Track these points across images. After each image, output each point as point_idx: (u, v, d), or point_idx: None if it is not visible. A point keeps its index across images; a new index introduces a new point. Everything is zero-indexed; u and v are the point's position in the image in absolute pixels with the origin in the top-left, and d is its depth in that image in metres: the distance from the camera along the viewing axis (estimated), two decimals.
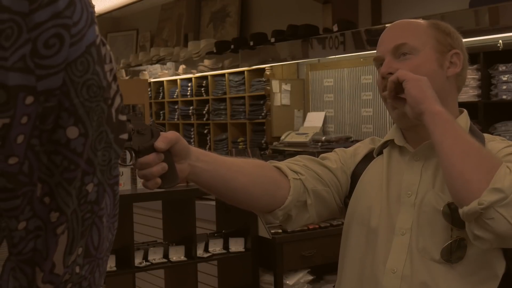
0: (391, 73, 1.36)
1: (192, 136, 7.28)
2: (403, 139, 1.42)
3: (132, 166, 1.25)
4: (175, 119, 7.62)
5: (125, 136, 0.73)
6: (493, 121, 4.12)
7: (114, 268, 3.56)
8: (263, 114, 6.21)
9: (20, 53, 0.58)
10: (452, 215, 1.27)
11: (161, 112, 7.97)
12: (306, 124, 5.94)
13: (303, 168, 1.43)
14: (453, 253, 1.28)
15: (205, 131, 7.11)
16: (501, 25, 4.01)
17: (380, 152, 1.46)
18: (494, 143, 1.37)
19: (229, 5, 7.44)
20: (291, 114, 6.07)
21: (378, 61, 1.42)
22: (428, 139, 1.36)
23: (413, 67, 1.35)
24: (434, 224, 1.30)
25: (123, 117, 0.72)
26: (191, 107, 7.26)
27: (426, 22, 1.42)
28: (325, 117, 5.87)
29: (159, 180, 1.22)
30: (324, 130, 5.86)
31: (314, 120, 5.88)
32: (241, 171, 1.37)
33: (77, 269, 0.71)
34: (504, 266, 1.31)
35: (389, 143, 1.45)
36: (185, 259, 3.34)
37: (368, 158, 1.47)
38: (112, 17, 8.98)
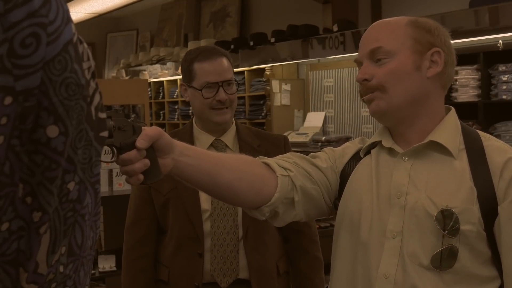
0: (366, 79, 1.36)
1: None
2: (391, 140, 1.41)
3: (113, 162, 1.25)
4: (175, 119, 7.62)
5: (105, 133, 0.73)
6: (493, 121, 4.11)
7: (114, 268, 3.57)
8: (263, 114, 6.20)
9: None
10: (445, 221, 1.26)
11: (161, 112, 7.97)
12: (306, 124, 5.93)
13: (293, 165, 1.42)
14: (443, 261, 1.26)
15: None
16: (501, 25, 4.00)
17: (367, 152, 1.45)
18: (492, 142, 1.35)
19: (229, 5, 7.44)
20: (291, 114, 6.07)
21: (359, 64, 1.42)
22: (415, 139, 1.36)
23: (388, 72, 1.34)
24: (424, 228, 1.29)
25: (102, 115, 0.71)
26: (191, 107, 7.25)
27: (405, 20, 1.39)
28: (325, 117, 5.86)
29: (141, 177, 1.22)
30: (324, 130, 5.86)
31: (314, 120, 5.88)
32: (226, 166, 1.35)
33: (61, 268, 0.70)
34: (498, 282, 1.30)
35: (377, 144, 1.44)
36: None
37: (356, 157, 1.46)
38: (112, 17, 8.99)
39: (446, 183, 1.30)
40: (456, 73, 4.31)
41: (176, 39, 8.19)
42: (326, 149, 1.52)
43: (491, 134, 4.11)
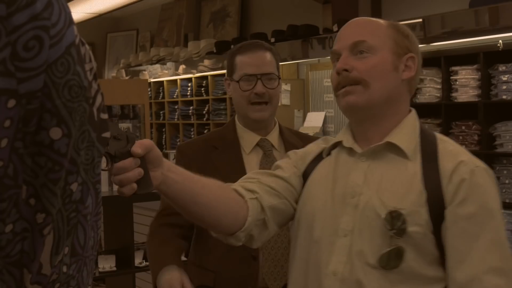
0: (346, 70, 1.37)
1: (192, 136, 7.27)
2: (352, 140, 1.43)
3: (107, 171, 1.23)
4: (175, 119, 7.62)
5: (107, 134, 0.73)
6: (493, 121, 4.11)
7: (114, 268, 3.57)
8: None
9: (0, 57, 0.58)
10: (393, 222, 1.28)
11: (161, 112, 7.97)
12: (306, 124, 5.93)
13: (257, 185, 1.43)
14: (390, 260, 1.29)
15: (205, 131, 7.09)
16: (501, 25, 4.00)
17: (330, 153, 1.47)
18: (446, 146, 1.37)
19: (229, 5, 7.44)
20: (291, 114, 6.06)
21: (335, 56, 1.43)
22: (376, 140, 1.39)
23: (369, 66, 1.36)
24: (372, 228, 1.31)
25: (104, 116, 0.72)
26: (191, 107, 7.26)
27: (386, 22, 1.43)
28: (325, 117, 5.86)
29: (135, 185, 1.22)
30: (324, 130, 5.85)
31: (314, 120, 5.88)
32: (207, 187, 1.37)
33: (65, 269, 0.71)
34: (445, 283, 1.32)
35: (338, 144, 1.46)
36: (185, 259, 3.33)
37: (318, 158, 1.48)
38: (112, 17, 8.99)
39: (398, 185, 1.33)
40: (456, 73, 4.31)
41: (176, 39, 8.18)
42: (289, 152, 1.55)
43: (491, 134, 4.12)
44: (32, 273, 0.67)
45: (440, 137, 1.41)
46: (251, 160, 1.98)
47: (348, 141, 1.43)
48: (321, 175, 1.43)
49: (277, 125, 2.04)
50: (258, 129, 1.99)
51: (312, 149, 1.51)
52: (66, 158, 0.65)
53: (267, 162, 1.97)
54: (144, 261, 3.75)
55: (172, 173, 1.30)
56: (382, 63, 1.37)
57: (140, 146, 1.23)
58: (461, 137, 4.24)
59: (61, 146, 0.64)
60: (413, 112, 1.44)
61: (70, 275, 0.72)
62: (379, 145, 1.37)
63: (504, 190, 3.99)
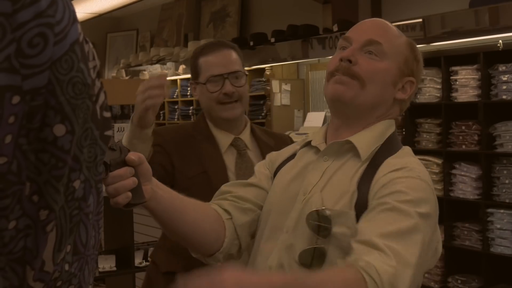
0: (350, 61, 1.35)
1: None
2: (321, 139, 1.43)
3: (104, 179, 1.22)
4: (175, 119, 7.62)
5: (110, 132, 0.74)
6: (493, 121, 4.11)
7: (114, 268, 3.57)
8: (263, 114, 6.20)
9: (5, 54, 0.58)
10: (320, 222, 1.27)
11: (161, 112, 7.96)
12: (306, 124, 5.93)
13: (230, 203, 1.44)
14: (314, 260, 1.27)
15: None
16: (501, 25, 4.00)
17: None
18: (392, 160, 1.33)
19: (229, 5, 7.44)
20: (291, 114, 6.07)
21: (344, 42, 1.41)
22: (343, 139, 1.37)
23: (373, 68, 1.35)
24: (306, 226, 1.30)
25: (107, 114, 0.72)
26: (191, 107, 7.26)
27: (406, 39, 1.42)
28: (325, 117, 5.86)
29: (130, 194, 1.22)
30: None
31: (314, 120, 5.88)
32: (191, 204, 1.38)
33: (67, 267, 0.71)
34: None
35: (308, 144, 1.46)
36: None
37: (289, 159, 1.49)
38: (112, 17, 8.98)
39: (340, 185, 1.32)
40: (456, 73, 4.31)
41: (176, 39, 8.18)
42: (270, 154, 1.56)
43: (491, 134, 4.12)
44: (35, 270, 0.68)
45: (403, 150, 1.38)
46: (227, 160, 1.95)
47: (316, 141, 1.43)
48: (284, 175, 1.45)
49: (248, 124, 2.01)
50: (230, 129, 1.96)
51: (287, 150, 1.53)
52: (70, 155, 0.66)
53: (243, 162, 1.94)
54: (144, 261, 3.75)
55: (160, 189, 1.31)
56: (385, 72, 1.36)
57: (135, 155, 1.24)
58: (461, 137, 4.24)
59: (65, 142, 0.65)
60: (387, 121, 1.41)
61: (72, 273, 0.72)
62: (337, 143, 1.37)
63: (504, 190, 3.99)
